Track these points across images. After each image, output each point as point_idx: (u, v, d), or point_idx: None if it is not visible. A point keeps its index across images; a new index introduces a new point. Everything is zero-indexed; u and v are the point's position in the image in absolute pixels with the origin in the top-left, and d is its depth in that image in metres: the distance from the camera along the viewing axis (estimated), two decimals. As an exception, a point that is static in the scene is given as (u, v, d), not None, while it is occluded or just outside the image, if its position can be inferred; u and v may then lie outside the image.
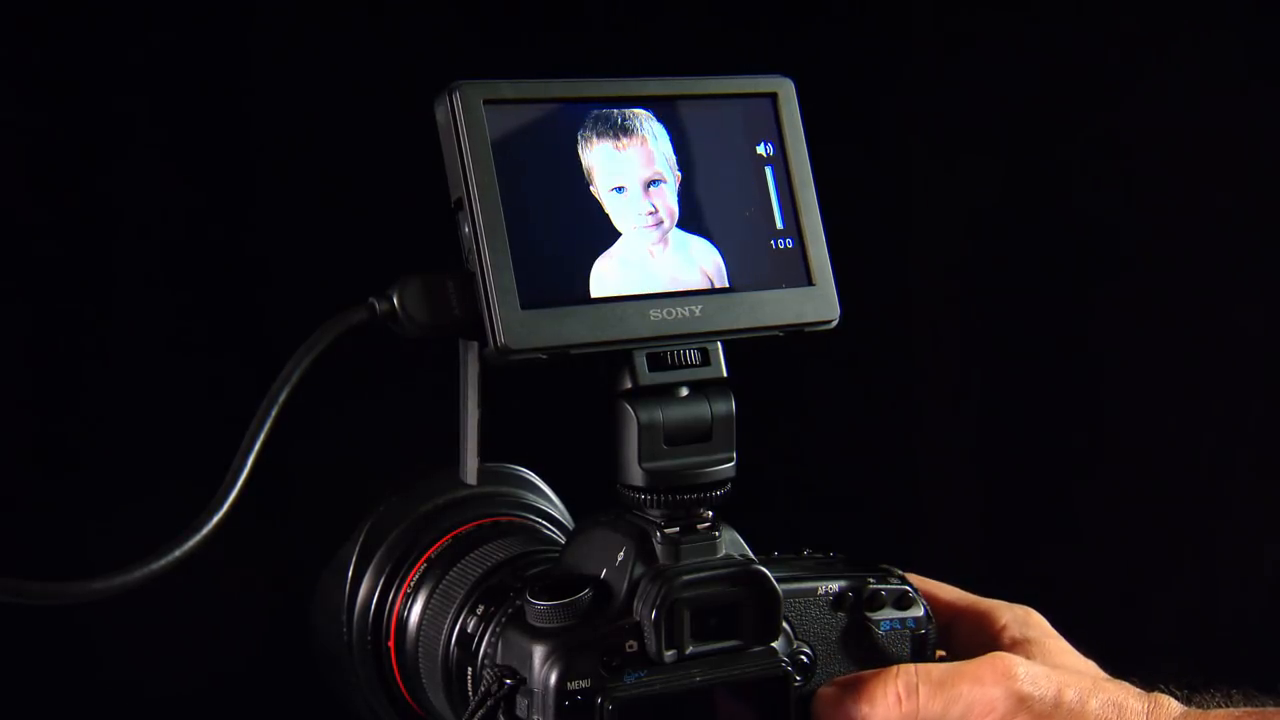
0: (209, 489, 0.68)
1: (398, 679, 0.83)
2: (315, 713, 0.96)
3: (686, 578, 0.70)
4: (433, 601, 0.80)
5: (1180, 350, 1.47)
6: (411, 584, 0.82)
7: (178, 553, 0.66)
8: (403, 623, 0.81)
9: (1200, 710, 0.76)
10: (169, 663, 1.17)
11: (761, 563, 0.72)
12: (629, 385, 0.71)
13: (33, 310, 1.13)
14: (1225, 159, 1.46)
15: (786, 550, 0.80)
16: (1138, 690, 0.75)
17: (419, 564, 0.82)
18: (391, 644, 0.82)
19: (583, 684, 0.69)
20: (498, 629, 0.74)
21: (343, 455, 1.18)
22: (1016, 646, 0.78)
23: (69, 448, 1.15)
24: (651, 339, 0.71)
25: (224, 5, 1.17)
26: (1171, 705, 0.75)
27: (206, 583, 0.93)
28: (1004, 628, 0.79)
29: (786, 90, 0.76)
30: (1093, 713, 0.73)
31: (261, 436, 0.68)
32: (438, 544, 0.83)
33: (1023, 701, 0.73)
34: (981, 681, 0.73)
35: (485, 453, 0.72)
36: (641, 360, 0.71)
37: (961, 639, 0.80)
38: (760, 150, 0.75)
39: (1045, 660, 0.76)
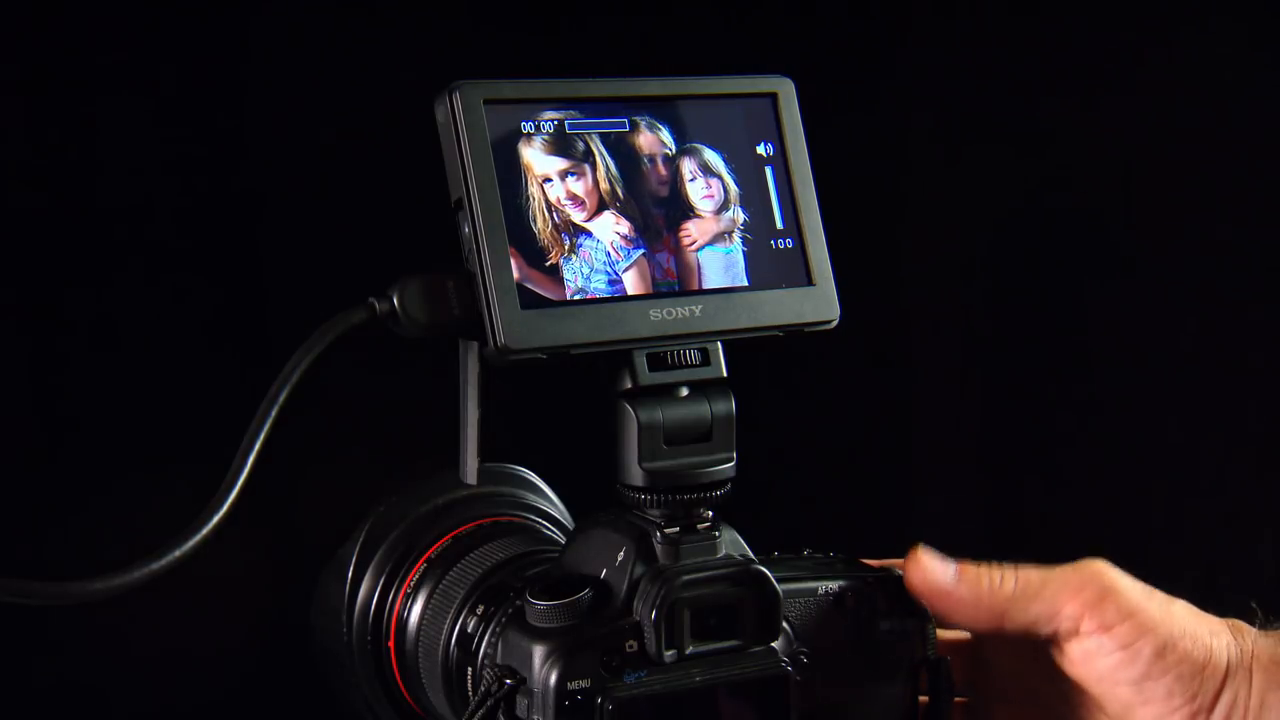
0: (209, 488, 0.68)
1: (398, 679, 0.83)
2: (315, 713, 0.96)
3: (686, 578, 0.70)
4: (433, 601, 0.80)
5: (1180, 350, 1.46)
6: (411, 584, 0.82)
7: (178, 553, 0.66)
8: (403, 623, 0.81)
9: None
10: (169, 663, 1.16)
11: (761, 563, 0.72)
12: (629, 385, 0.71)
13: (32, 309, 1.13)
14: (1227, 157, 1.46)
15: (786, 550, 0.80)
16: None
17: (419, 564, 0.82)
18: (391, 644, 0.82)
19: (583, 684, 0.69)
20: (498, 629, 0.74)
21: (342, 455, 1.18)
22: None
23: (69, 447, 1.15)
24: (651, 339, 0.71)
25: (223, 4, 1.16)
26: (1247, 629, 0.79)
27: (207, 582, 0.92)
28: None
29: (786, 90, 0.76)
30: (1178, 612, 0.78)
31: (262, 437, 0.68)
32: (438, 544, 0.83)
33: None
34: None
35: (485, 453, 0.72)
36: (641, 360, 0.71)
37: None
38: (760, 150, 0.75)
39: None
